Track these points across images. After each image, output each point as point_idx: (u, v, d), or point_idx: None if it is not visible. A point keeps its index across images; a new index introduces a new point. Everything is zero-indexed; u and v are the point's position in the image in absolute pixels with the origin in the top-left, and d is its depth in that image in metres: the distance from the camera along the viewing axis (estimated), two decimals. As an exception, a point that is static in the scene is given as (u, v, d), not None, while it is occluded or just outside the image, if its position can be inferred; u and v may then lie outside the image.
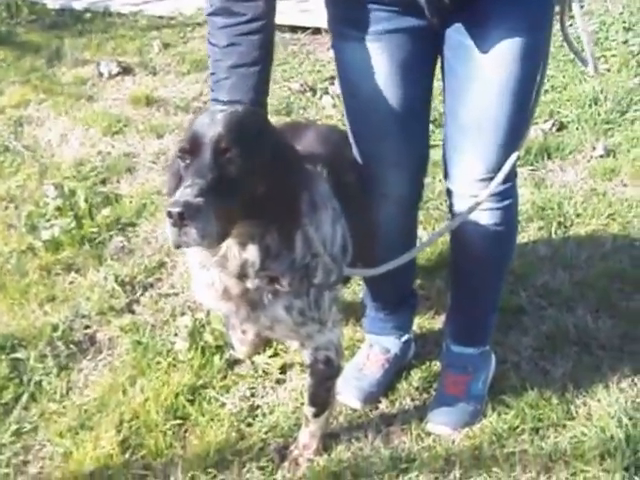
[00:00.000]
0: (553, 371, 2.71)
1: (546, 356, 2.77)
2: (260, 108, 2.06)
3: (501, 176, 2.22)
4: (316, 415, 2.38)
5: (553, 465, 2.36)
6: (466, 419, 2.52)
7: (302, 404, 2.56)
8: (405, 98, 2.23)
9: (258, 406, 2.62)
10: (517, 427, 2.48)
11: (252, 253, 1.95)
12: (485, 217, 2.33)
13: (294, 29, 5.65)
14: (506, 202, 2.34)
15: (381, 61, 2.17)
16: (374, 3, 2.11)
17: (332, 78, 4.79)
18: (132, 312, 3.08)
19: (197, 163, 1.77)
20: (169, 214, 1.70)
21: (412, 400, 2.63)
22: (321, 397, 2.36)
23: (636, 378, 2.66)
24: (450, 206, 2.41)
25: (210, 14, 2.05)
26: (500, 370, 2.69)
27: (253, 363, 2.78)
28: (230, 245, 1.93)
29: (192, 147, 1.80)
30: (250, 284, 2.02)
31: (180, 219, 1.69)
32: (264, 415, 2.59)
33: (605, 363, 2.72)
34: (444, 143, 2.36)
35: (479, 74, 2.13)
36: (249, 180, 1.81)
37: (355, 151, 2.38)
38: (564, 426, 2.49)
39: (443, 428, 2.50)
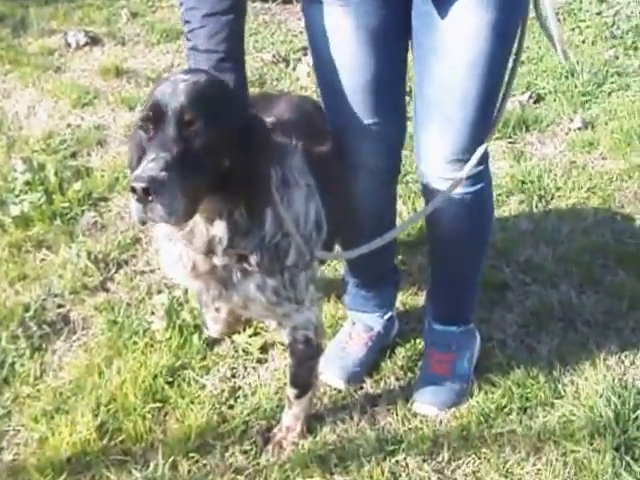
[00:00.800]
0: (539, 348, 2.63)
1: (531, 333, 2.70)
2: (236, 63, 1.92)
3: (474, 160, 2.12)
4: (299, 396, 2.28)
5: (542, 445, 2.29)
6: (453, 398, 2.43)
7: (285, 384, 2.45)
8: (377, 67, 2.10)
9: (239, 387, 2.51)
10: (505, 406, 2.40)
11: (220, 229, 1.85)
12: (457, 202, 2.22)
13: (265, -1, 5.50)
14: (478, 186, 2.24)
15: (350, 27, 2.04)
16: None
17: (305, 49, 4.64)
18: (106, 290, 2.95)
19: (161, 135, 1.66)
20: (133, 189, 1.60)
21: (397, 379, 2.54)
22: (303, 378, 2.26)
23: (622, 355, 2.60)
24: (422, 186, 2.30)
25: None
26: (485, 348, 2.61)
27: (233, 342, 2.67)
28: (197, 221, 1.83)
29: (155, 118, 1.68)
30: (217, 261, 1.91)
31: (145, 195, 1.59)
32: (246, 397, 2.48)
33: (591, 340, 2.65)
34: (413, 119, 2.24)
35: (444, 48, 2.01)
36: (215, 154, 1.71)
37: (329, 122, 2.26)
38: (552, 405, 2.41)
39: (429, 408, 2.41)
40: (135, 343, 2.65)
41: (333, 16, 2.04)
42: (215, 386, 2.51)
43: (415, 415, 2.41)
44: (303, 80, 4.42)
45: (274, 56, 4.67)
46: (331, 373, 2.49)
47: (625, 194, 3.43)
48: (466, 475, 2.23)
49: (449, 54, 2.01)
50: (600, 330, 2.70)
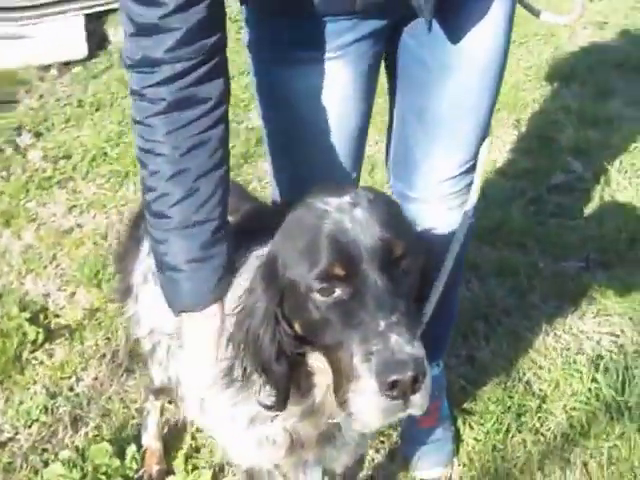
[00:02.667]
0: (481, 356, 2.36)
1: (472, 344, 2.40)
2: (228, 225, 1.47)
3: (481, 162, 1.80)
4: None
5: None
6: (450, 448, 2.10)
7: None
8: (366, 113, 1.76)
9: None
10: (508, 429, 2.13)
11: None
12: (457, 214, 1.83)
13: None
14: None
15: (347, 76, 1.66)
16: (333, 15, 1.57)
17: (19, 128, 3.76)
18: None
19: (372, 291, 1.12)
20: (393, 385, 1.07)
21: (376, 451, 2.10)
22: None
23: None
24: (421, 214, 1.82)
25: (153, 115, 1.37)
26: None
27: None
28: (321, 384, 1.30)
29: (348, 269, 1.12)
30: (337, 419, 1.37)
31: (413, 384, 1.08)
32: None
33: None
34: (394, 150, 1.88)
35: (457, 59, 1.68)
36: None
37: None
38: (544, 409, 2.19)
39: (436, 471, 2.06)
40: None
41: (324, 72, 1.63)
42: None
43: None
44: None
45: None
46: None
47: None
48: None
49: (464, 63, 1.68)
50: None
